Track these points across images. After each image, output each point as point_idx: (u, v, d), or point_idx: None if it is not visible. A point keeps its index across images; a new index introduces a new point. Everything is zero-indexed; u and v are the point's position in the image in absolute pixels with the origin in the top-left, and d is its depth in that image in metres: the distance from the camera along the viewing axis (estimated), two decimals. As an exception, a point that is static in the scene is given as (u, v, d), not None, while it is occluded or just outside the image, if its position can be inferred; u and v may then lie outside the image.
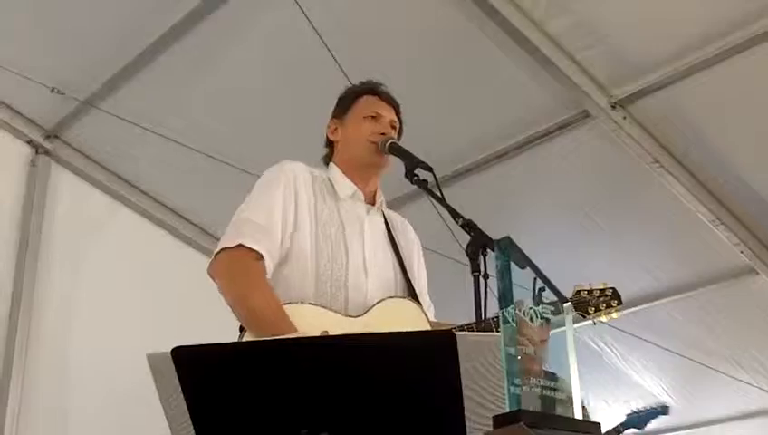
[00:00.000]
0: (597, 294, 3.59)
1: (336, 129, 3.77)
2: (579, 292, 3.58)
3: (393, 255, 3.64)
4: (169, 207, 7.36)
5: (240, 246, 3.27)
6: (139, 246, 7.18)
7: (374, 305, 3.35)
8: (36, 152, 6.78)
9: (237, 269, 3.29)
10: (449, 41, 5.77)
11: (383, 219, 3.73)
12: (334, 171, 3.67)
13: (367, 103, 3.75)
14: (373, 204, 3.70)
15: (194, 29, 5.82)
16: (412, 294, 3.56)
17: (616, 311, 3.62)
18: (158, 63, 6.08)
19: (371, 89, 3.83)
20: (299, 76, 6.02)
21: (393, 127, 3.71)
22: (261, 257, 3.27)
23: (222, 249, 3.31)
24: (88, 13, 5.85)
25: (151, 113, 6.42)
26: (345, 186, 3.61)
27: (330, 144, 3.80)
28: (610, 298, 3.60)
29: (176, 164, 6.79)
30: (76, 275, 6.73)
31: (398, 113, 3.81)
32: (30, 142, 6.76)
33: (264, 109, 6.36)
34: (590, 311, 3.57)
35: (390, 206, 6.81)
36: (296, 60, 5.90)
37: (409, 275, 3.63)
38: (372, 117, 3.69)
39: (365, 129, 3.66)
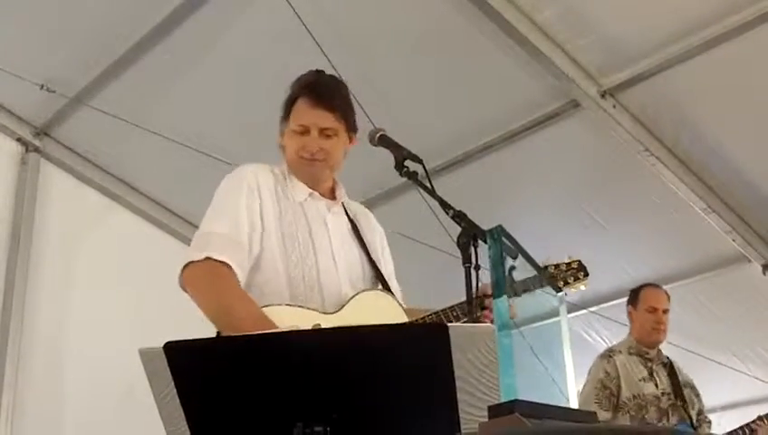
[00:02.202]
0: (564, 268, 3.59)
1: (282, 133, 3.64)
2: (546, 267, 3.58)
3: (359, 248, 3.62)
4: (160, 203, 7.36)
5: (208, 258, 3.25)
6: (130, 242, 7.17)
7: (349, 300, 3.36)
8: (26, 150, 6.78)
9: (211, 282, 3.27)
10: (438, 33, 5.76)
11: (345, 214, 3.69)
12: (289, 173, 3.62)
13: (298, 113, 3.55)
14: (333, 199, 3.66)
15: (181, 25, 5.82)
16: (383, 284, 3.58)
17: (583, 283, 3.61)
18: (146, 60, 6.07)
19: (306, 90, 3.60)
20: (285, 71, 5.99)
21: (327, 136, 3.53)
22: (230, 268, 3.25)
23: (190, 262, 3.28)
24: (76, 10, 5.83)
25: (141, 110, 6.41)
26: (299, 191, 3.56)
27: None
28: (577, 271, 3.60)
29: (165, 160, 6.78)
30: (68, 272, 6.72)
31: (340, 107, 3.59)
32: (20, 140, 6.75)
33: (254, 104, 6.34)
34: (560, 285, 3.56)
35: (381, 198, 6.87)
36: (286, 55, 5.89)
37: (378, 265, 3.62)
38: (300, 133, 3.54)
39: (294, 144, 3.54)
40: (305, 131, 3.52)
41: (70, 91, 6.34)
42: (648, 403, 5.78)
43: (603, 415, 5.80)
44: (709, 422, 6.05)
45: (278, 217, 3.46)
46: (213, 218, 3.43)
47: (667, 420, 5.74)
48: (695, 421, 5.87)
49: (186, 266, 3.29)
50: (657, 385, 5.88)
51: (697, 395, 6.04)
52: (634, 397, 5.81)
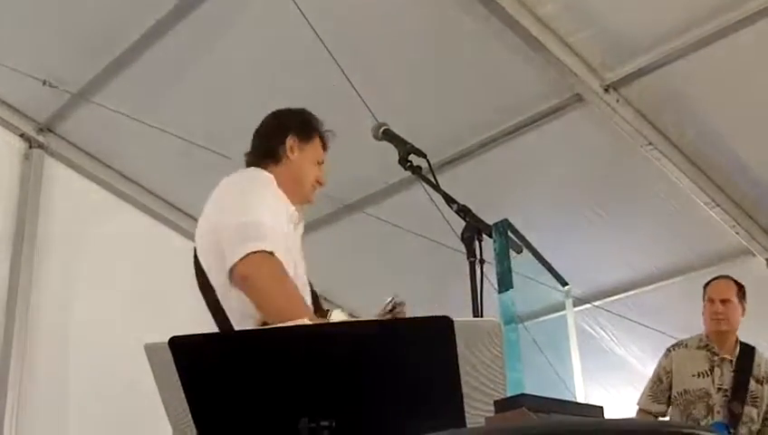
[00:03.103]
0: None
1: (293, 148, 3.77)
2: None
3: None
4: (163, 199, 7.37)
5: (272, 253, 3.25)
6: (133, 238, 7.18)
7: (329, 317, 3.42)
8: (30, 146, 6.78)
9: (279, 275, 3.27)
10: (440, 26, 5.76)
11: None
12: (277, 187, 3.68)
13: (319, 147, 3.84)
14: None
15: (185, 20, 5.81)
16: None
17: None
18: (149, 55, 6.06)
19: (323, 134, 3.88)
20: (291, 65, 6.02)
21: None
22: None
23: (255, 252, 3.23)
24: (78, 5, 5.84)
25: (144, 106, 6.41)
26: (289, 205, 3.64)
27: (274, 151, 3.78)
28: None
29: (169, 156, 6.79)
30: (72, 268, 6.73)
31: None
32: (23, 136, 6.76)
33: (257, 99, 6.33)
34: None
35: (384, 193, 6.88)
36: (287, 49, 5.90)
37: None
38: (319, 163, 3.82)
39: (315, 172, 3.80)
40: (321, 164, 3.82)
41: (73, 86, 6.34)
42: (696, 399, 5.73)
43: (657, 408, 5.88)
44: None
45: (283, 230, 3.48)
46: (256, 209, 3.40)
47: (712, 417, 5.69)
48: (753, 421, 5.77)
49: (248, 256, 3.24)
50: (714, 381, 5.79)
51: None
52: (684, 392, 5.78)
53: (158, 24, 5.84)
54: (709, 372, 5.82)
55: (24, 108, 6.72)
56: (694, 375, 5.82)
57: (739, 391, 5.75)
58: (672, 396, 5.84)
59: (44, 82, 6.19)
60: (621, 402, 6.98)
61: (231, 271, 3.26)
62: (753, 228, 6.77)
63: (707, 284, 6.13)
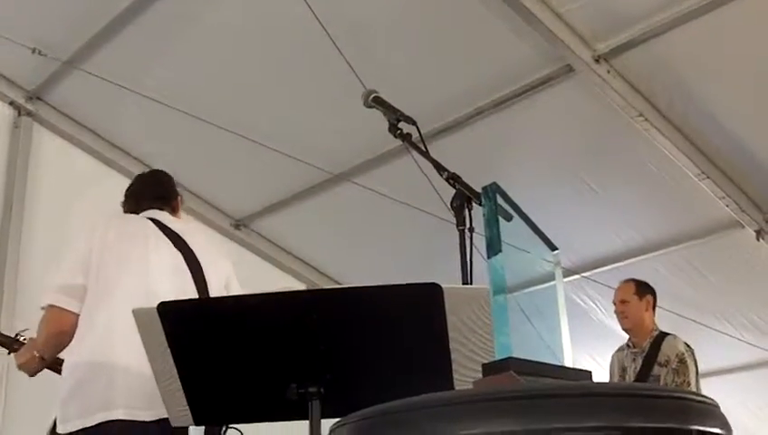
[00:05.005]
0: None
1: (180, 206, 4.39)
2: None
3: None
4: (151, 167, 7.33)
5: None
6: (122, 207, 7.17)
7: None
8: (19, 114, 6.77)
9: None
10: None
11: None
12: None
13: None
14: None
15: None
16: None
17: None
18: (138, 23, 6.04)
19: None
20: (279, 34, 5.99)
21: None
22: None
23: None
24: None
25: (134, 74, 6.39)
26: None
27: (175, 205, 4.37)
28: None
29: (158, 124, 6.77)
30: (60, 237, 6.68)
31: None
32: (12, 104, 6.75)
33: (246, 68, 6.32)
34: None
35: (375, 162, 6.87)
36: (276, 17, 5.87)
37: None
38: None
39: None
40: None
41: (62, 54, 6.32)
42: None
43: None
44: None
45: None
46: None
47: None
48: None
49: None
50: (631, 374, 6.12)
51: (674, 370, 5.96)
52: None
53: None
54: (629, 368, 6.19)
55: (13, 76, 6.70)
56: (620, 374, 6.23)
57: (642, 377, 6.05)
58: None
59: (34, 50, 6.17)
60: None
61: None
62: (743, 200, 6.76)
63: None
